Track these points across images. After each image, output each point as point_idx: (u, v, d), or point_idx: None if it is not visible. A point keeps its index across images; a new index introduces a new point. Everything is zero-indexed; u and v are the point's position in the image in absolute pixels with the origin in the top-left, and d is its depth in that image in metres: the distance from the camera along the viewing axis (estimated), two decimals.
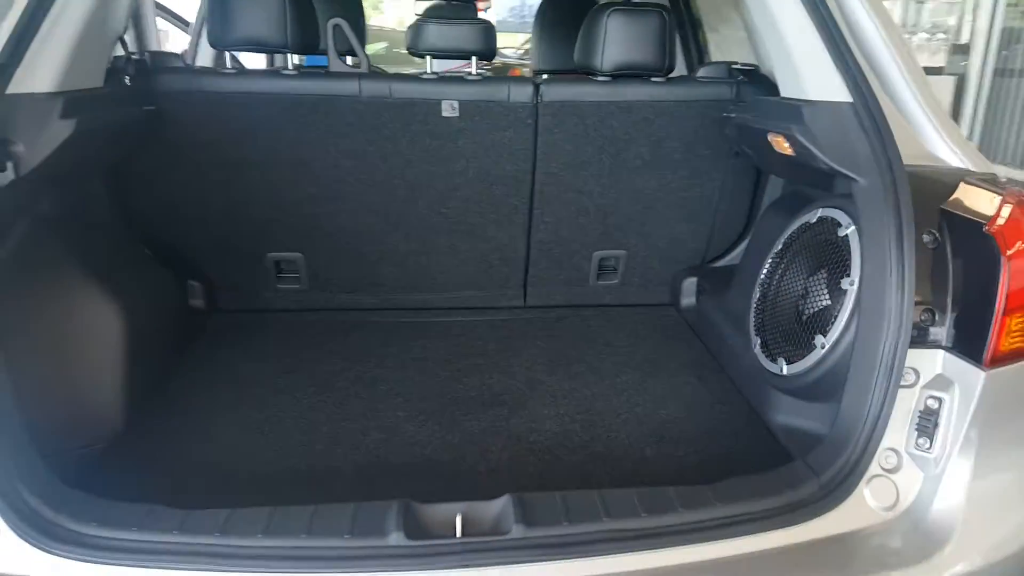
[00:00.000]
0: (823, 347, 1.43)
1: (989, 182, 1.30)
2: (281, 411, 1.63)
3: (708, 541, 1.12)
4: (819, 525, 1.17)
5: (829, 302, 1.46)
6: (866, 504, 1.21)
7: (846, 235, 1.46)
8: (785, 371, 1.53)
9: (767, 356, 1.61)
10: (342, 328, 2.08)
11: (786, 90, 1.63)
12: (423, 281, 2.18)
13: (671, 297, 2.27)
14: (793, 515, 1.17)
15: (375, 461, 1.45)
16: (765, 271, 1.73)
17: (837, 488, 1.20)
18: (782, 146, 1.59)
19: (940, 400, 1.21)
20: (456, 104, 1.90)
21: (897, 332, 1.21)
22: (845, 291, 1.41)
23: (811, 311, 1.53)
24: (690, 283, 2.19)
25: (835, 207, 1.53)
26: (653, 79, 1.97)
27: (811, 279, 1.56)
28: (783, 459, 1.45)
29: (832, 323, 1.42)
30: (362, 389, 1.73)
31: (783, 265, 1.68)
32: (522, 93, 1.92)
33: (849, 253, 1.43)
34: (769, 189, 2.11)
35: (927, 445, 1.21)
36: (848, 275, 1.41)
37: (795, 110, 1.50)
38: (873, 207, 1.32)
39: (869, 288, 1.28)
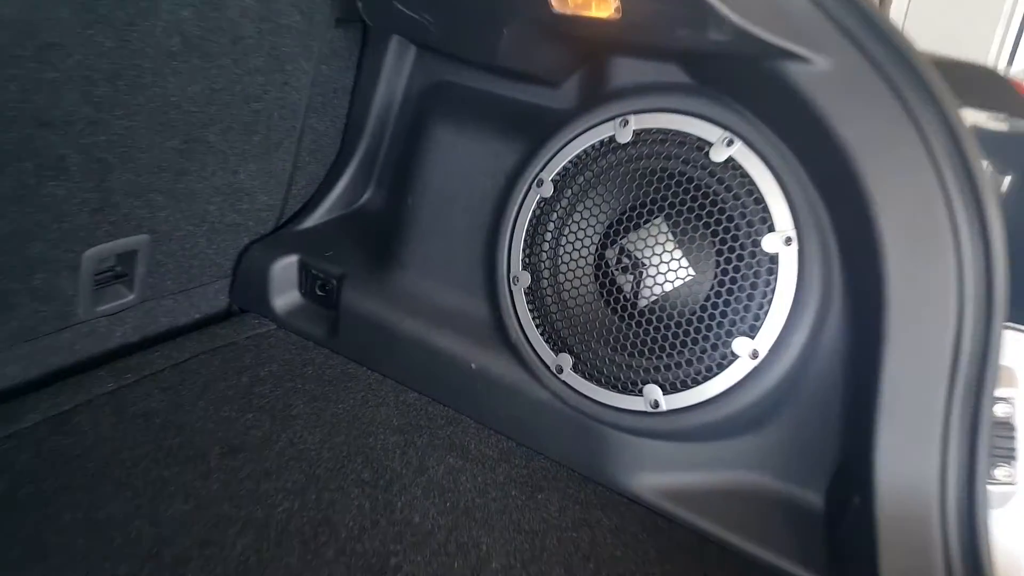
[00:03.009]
0: (755, 356, 0.86)
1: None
2: None
3: None
4: None
5: (724, 278, 0.89)
6: None
7: (730, 158, 0.88)
8: (663, 405, 0.91)
9: (605, 384, 0.95)
10: None
11: None
12: None
13: (243, 297, 1.29)
14: None
15: None
16: (524, 233, 1.02)
17: None
18: (589, 3, 0.85)
19: (1011, 403, 0.82)
20: None
21: (985, 309, 0.74)
22: (773, 255, 0.85)
23: (668, 294, 0.93)
24: (286, 266, 1.25)
25: (675, 111, 0.92)
26: None
27: (646, 240, 0.94)
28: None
29: (762, 312, 0.86)
30: None
31: (564, 217, 0.99)
32: None
33: (755, 189, 0.87)
34: (385, 82, 1.30)
35: (1009, 475, 0.82)
36: (769, 228, 0.86)
37: None
38: (854, 106, 0.77)
39: (899, 242, 0.76)
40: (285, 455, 0.95)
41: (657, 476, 0.94)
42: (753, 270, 0.86)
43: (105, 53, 0.88)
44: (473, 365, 1.04)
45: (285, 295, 1.26)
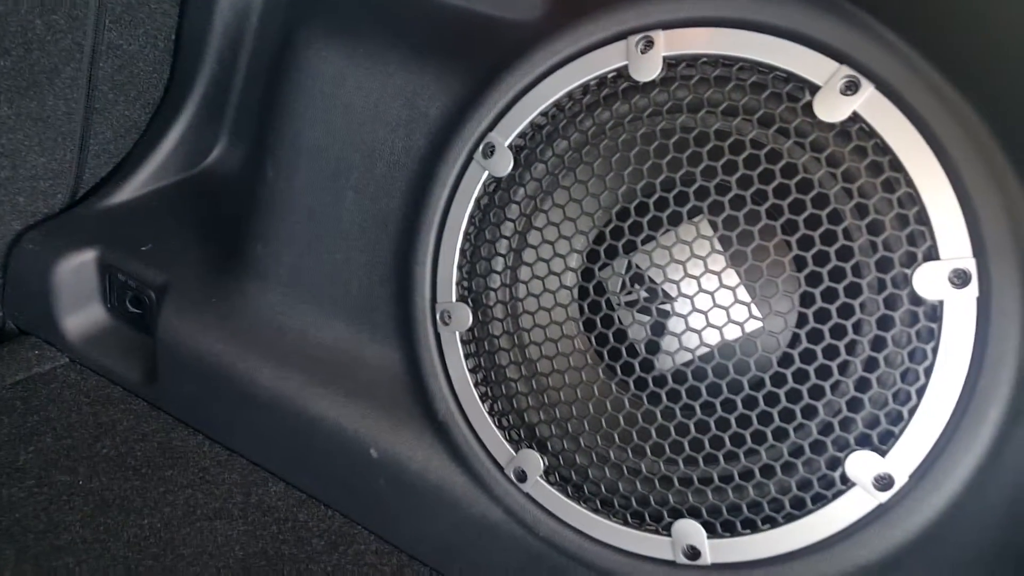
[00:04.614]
0: (884, 485, 0.45)
1: None
2: None
3: None
4: None
5: (836, 343, 0.46)
6: None
7: (853, 116, 0.45)
8: (706, 556, 0.50)
9: (602, 509, 0.53)
10: None
11: None
12: None
13: (18, 313, 0.79)
14: None
15: None
16: (462, 237, 0.56)
17: None
18: None
19: None
20: None
21: None
22: (933, 305, 0.44)
23: (713, 353, 0.50)
24: (80, 267, 0.75)
25: (743, 24, 0.48)
26: None
27: (677, 256, 0.51)
28: None
29: (905, 409, 0.45)
30: None
31: (531, 213, 0.54)
32: None
33: (900, 178, 0.44)
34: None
35: None
36: (926, 252, 0.44)
37: None
38: None
39: None
40: None
41: None
42: (891, 331, 0.44)
43: None
44: (374, 452, 0.60)
45: (81, 311, 0.76)
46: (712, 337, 0.48)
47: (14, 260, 0.77)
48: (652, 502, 0.50)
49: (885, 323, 0.44)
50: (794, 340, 0.47)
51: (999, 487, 0.45)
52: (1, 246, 0.77)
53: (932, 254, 0.43)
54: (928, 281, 0.43)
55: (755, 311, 0.48)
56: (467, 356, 0.56)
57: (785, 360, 0.47)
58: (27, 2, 0.63)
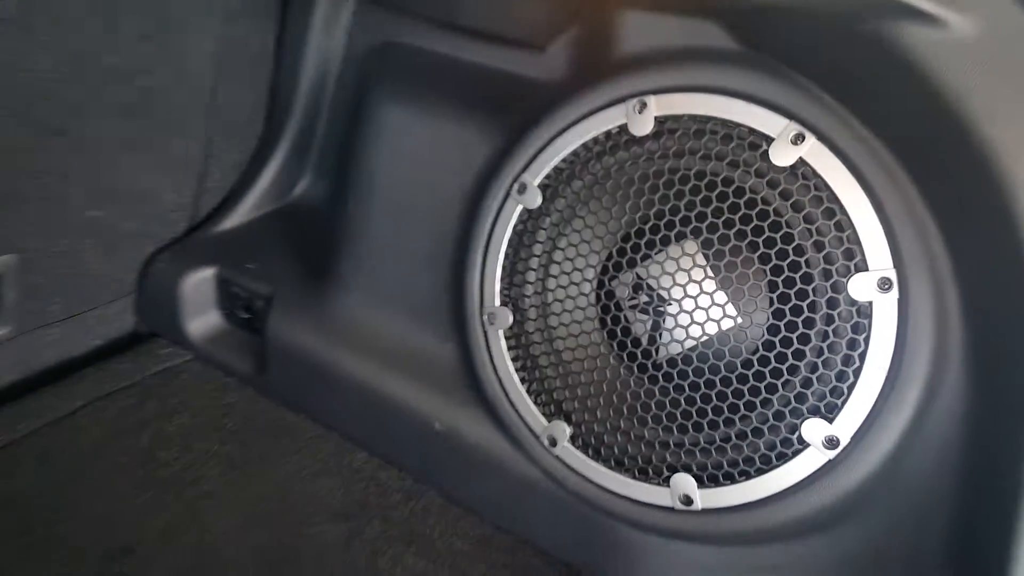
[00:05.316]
0: (832, 445, 0.57)
1: None
2: None
3: None
4: None
5: (790, 335, 0.58)
6: None
7: (799, 161, 0.56)
8: (697, 503, 0.62)
9: (616, 466, 0.65)
10: None
11: None
12: None
13: (151, 319, 0.96)
14: None
15: None
16: (503, 256, 0.69)
17: None
18: None
19: None
20: None
21: None
22: (863, 305, 0.55)
23: (699, 345, 0.62)
24: (201, 282, 0.91)
25: (716, 90, 0.59)
26: None
27: (669, 269, 0.63)
28: None
29: (845, 386, 0.56)
30: None
31: (555, 237, 0.67)
32: None
33: (836, 209, 0.55)
34: (315, 44, 0.93)
35: None
36: (857, 265, 0.55)
37: None
38: (1008, 94, 0.46)
39: None
40: (188, 559, 0.64)
41: None
42: (833, 326, 0.55)
43: None
44: (437, 425, 0.74)
45: (202, 317, 0.93)
46: (696, 332, 0.61)
47: (148, 277, 0.94)
48: (654, 461, 0.62)
49: (828, 320, 0.55)
50: (760, 334, 0.59)
51: (923, 449, 0.56)
52: (139, 265, 0.93)
53: (862, 266, 0.54)
54: (860, 287, 0.54)
55: (729, 311, 0.60)
56: (509, 349, 0.69)
57: (753, 350, 0.59)
58: (168, 78, 0.79)
